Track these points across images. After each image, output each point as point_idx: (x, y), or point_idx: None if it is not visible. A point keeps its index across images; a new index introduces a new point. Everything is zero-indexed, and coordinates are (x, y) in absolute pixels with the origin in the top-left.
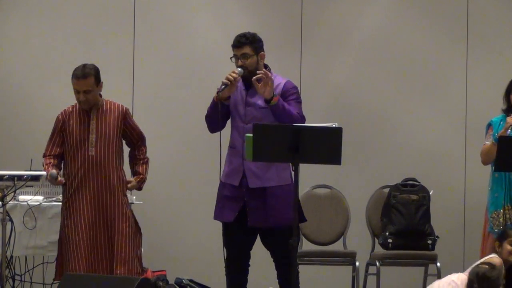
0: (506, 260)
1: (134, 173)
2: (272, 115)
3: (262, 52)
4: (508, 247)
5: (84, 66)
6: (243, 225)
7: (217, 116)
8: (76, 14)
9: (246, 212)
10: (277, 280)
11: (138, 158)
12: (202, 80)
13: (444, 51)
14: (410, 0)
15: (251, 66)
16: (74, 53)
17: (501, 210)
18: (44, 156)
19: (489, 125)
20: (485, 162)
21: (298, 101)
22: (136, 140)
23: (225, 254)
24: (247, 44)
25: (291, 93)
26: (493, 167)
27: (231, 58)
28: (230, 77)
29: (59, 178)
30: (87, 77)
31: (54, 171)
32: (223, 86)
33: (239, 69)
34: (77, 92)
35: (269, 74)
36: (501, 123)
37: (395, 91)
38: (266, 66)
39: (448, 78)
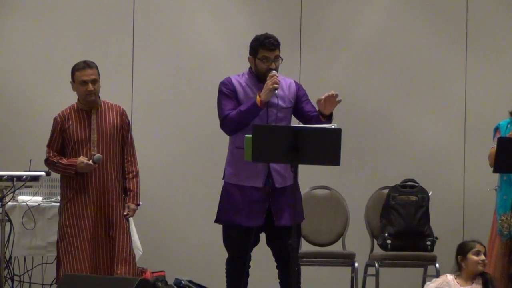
0: (475, 270)
1: (123, 189)
2: (290, 115)
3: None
4: (474, 257)
5: (85, 60)
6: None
7: (252, 119)
8: (75, 15)
9: (271, 212)
10: (277, 280)
11: (127, 172)
12: (201, 81)
13: (443, 52)
14: (409, 0)
15: (278, 68)
16: (73, 54)
17: (510, 213)
18: (48, 157)
19: (497, 129)
20: (493, 165)
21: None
22: (126, 144)
23: (228, 255)
24: (278, 47)
25: (305, 94)
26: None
27: (260, 58)
28: (277, 80)
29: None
30: (92, 67)
31: (97, 154)
32: (276, 91)
33: (274, 71)
34: (84, 83)
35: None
36: (508, 126)
37: (394, 91)
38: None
39: (447, 79)
